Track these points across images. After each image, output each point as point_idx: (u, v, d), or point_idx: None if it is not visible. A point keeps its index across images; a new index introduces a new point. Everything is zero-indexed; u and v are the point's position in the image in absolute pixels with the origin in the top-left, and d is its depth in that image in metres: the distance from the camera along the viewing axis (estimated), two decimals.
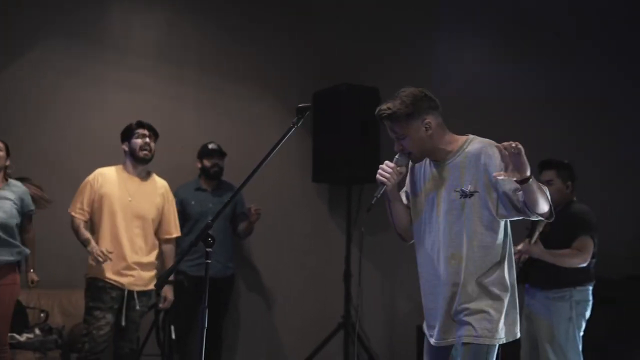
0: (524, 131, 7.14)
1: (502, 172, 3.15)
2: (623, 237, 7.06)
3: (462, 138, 3.46)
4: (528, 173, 3.11)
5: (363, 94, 6.59)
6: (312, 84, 6.78)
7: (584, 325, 5.02)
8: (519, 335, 3.42)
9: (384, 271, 7.07)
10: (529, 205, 3.21)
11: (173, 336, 5.34)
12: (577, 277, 5.00)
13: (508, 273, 3.38)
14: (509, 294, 3.36)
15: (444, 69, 7.11)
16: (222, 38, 6.88)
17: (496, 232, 3.36)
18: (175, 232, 5.43)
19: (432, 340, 3.48)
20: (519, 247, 4.95)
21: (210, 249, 3.11)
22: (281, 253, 6.87)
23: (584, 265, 4.96)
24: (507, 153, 3.10)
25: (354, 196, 6.80)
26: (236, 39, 6.90)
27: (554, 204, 5.10)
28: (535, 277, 5.08)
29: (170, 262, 5.34)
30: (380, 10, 7.26)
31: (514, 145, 3.08)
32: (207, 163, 6.17)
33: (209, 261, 3.14)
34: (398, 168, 3.41)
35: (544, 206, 3.24)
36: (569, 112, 7.18)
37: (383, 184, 3.39)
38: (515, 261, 5.05)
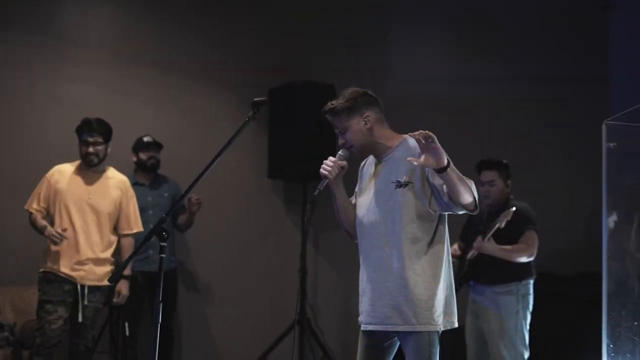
0: (475, 129, 7.27)
1: (414, 158, 3.29)
2: (573, 234, 7.19)
3: (401, 136, 3.61)
4: (445, 161, 3.23)
5: (319, 91, 6.59)
6: (267, 80, 6.77)
7: (529, 318, 5.17)
8: (456, 324, 3.53)
9: (339, 268, 7.09)
10: (452, 197, 3.33)
11: (127, 333, 5.30)
12: (522, 272, 5.17)
13: (441, 264, 3.48)
14: (441, 284, 3.46)
15: (399, 66, 7.17)
16: (177, 33, 6.83)
17: (430, 223, 3.47)
18: (136, 228, 5.39)
19: (363, 326, 3.59)
20: (474, 244, 5.05)
21: (164, 243, 3.11)
22: (236, 249, 6.85)
23: (532, 259, 5.16)
24: (422, 141, 3.22)
25: (310, 193, 6.81)
26: (191, 34, 6.86)
27: (495, 204, 5.31)
28: (483, 273, 5.17)
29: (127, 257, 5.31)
30: (337, 6, 7.28)
31: (424, 133, 3.22)
32: (143, 156, 6.13)
33: (163, 255, 3.14)
34: (340, 162, 3.54)
35: (466, 196, 3.35)
36: (517, 111, 7.31)
37: (325, 177, 3.52)
38: (469, 258, 5.18)
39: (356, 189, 3.76)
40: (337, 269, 7.09)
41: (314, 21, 7.19)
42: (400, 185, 3.46)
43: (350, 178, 3.70)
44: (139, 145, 6.16)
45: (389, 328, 3.48)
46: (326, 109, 3.58)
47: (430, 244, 3.47)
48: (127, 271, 5.24)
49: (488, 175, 5.33)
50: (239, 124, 3.33)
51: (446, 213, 3.53)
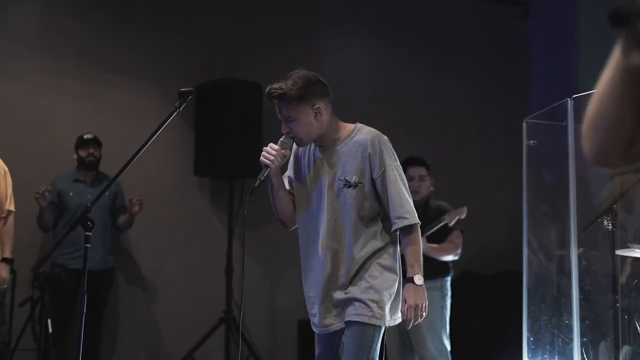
0: (404, 128, 7.36)
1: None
2: (498, 233, 7.34)
3: (351, 126, 3.49)
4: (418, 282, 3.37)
5: (245, 88, 6.60)
6: (194, 77, 6.73)
7: (449, 313, 5.28)
8: (399, 320, 3.47)
9: (266, 266, 7.09)
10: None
11: (50, 330, 5.21)
12: (445, 269, 5.28)
13: (390, 261, 3.42)
14: (390, 282, 3.40)
15: (327, 65, 7.20)
16: (102, 28, 6.73)
17: (379, 221, 3.42)
18: (14, 208, 5.10)
19: (316, 329, 3.48)
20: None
21: (89, 233, 3.07)
22: (162, 247, 6.79)
23: (457, 258, 5.30)
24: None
25: (236, 190, 6.81)
26: (117, 30, 6.77)
27: (424, 201, 5.33)
28: None
29: (5, 240, 5.10)
30: (264, 4, 7.29)
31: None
32: (82, 153, 6.05)
33: (88, 245, 3.10)
34: (282, 151, 3.36)
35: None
36: (442, 110, 7.44)
37: (267, 166, 3.34)
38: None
39: (289, 174, 3.59)
40: (263, 266, 7.09)
41: (240, 19, 7.18)
42: (349, 185, 3.35)
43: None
44: (78, 143, 6.08)
45: (342, 325, 3.40)
46: (274, 93, 3.31)
47: (381, 240, 3.41)
48: (7, 254, 5.02)
49: (419, 170, 5.40)
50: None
51: None
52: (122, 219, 6.16)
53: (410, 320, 3.31)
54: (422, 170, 5.41)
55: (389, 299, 3.37)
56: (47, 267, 5.75)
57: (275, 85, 3.33)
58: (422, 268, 3.35)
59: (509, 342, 5.90)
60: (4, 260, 5.05)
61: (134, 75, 6.81)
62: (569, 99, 4.62)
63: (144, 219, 6.40)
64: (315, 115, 3.35)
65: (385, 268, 3.40)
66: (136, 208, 5.99)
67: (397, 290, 3.43)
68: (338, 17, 7.49)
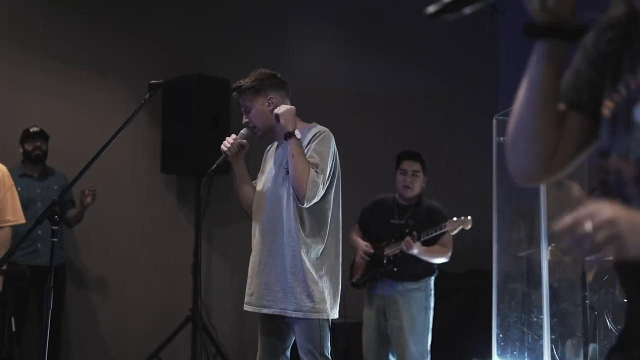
0: (373, 125, 7.36)
1: None
2: (466, 231, 7.33)
3: (305, 124, 3.70)
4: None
5: (214, 85, 6.54)
6: (162, 74, 6.61)
7: (432, 314, 5.13)
8: (336, 316, 3.60)
9: (233, 264, 7.02)
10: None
11: (13, 329, 5.11)
12: (430, 269, 5.13)
13: (333, 251, 3.59)
14: (328, 272, 3.55)
15: (297, 62, 7.17)
16: (69, 24, 6.62)
17: (320, 211, 3.55)
18: (13, 218, 5.07)
19: (247, 307, 3.67)
20: (404, 243, 4.91)
21: (56, 227, 3.01)
22: (128, 245, 6.69)
23: (448, 260, 5.09)
24: None
25: (203, 188, 6.72)
26: (84, 25, 6.67)
27: (416, 198, 5.19)
28: (400, 272, 5.04)
29: (3, 251, 5.03)
30: (234, 1, 7.24)
31: None
32: (28, 147, 5.90)
33: (55, 239, 3.03)
34: (240, 140, 3.66)
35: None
36: (416, 109, 7.43)
37: (224, 153, 3.66)
38: (389, 254, 5.06)
39: (259, 174, 3.83)
40: (230, 265, 7.02)
41: (209, 15, 7.11)
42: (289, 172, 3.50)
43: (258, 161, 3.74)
44: (24, 136, 5.95)
45: (282, 312, 3.52)
46: (234, 86, 3.68)
47: (321, 230, 3.54)
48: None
49: (413, 165, 5.19)
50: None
51: (340, 201, 3.64)
52: (70, 213, 6.03)
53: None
54: (416, 165, 5.19)
55: (331, 291, 3.55)
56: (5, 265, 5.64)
57: (237, 81, 3.70)
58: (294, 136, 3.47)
59: (476, 341, 5.90)
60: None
61: (102, 71, 6.70)
62: None
63: (110, 216, 6.32)
64: (269, 106, 3.62)
65: (326, 260, 3.55)
66: (89, 199, 5.86)
67: (332, 283, 3.57)
68: (307, 13, 7.45)
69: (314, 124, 3.70)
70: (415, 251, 4.91)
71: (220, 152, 3.70)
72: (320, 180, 3.42)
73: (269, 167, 3.73)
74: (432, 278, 5.15)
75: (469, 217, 4.93)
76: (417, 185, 5.19)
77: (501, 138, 5.23)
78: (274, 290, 3.53)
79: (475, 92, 7.45)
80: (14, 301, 5.29)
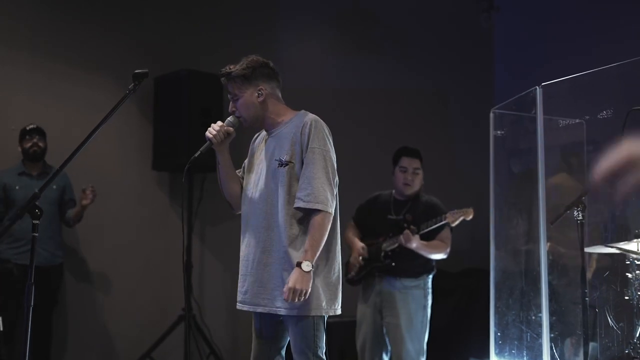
0: (366, 121, 7.31)
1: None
2: (463, 229, 7.25)
3: (295, 111, 3.60)
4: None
5: (204, 81, 6.44)
6: (153, 69, 6.52)
7: (430, 312, 5.07)
8: (339, 311, 3.49)
9: (225, 262, 6.94)
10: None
11: (1, 327, 5.01)
12: (429, 266, 5.07)
13: (329, 247, 3.44)
14: (323, 268, 3.42)
15: (287, 58, 7.08)
16: (57, 20, 6.51)
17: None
18: None
19: (242, 306, 3.55)
20: (403, 237, 4.85)
21: (37, 221, 2.90)
22: (120, 243, 6.59)
23: (446, 256, 5.03)
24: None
25: (196, 185, 6.65)
26: (72, 21, 6.56)
27: (415, 194, 5.12)
28: (398, 267, 4.99)
29: None
30: None
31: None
32: (26, 144, 5.83)
33: (36, 234, 2.92)
34: (226, 128, 3.52)
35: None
36: (410, 104, 7.37)
37: (209, 140, 3.52)
38: (387, 249, 4.98)
39: (244, 163, 3.71)
40: (223, 263, 6.93)
41: (200, 11, 7.05)
42: (281, 164, 3.42)
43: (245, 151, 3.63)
44: (22, 134, 5.87)
45: (276, 311, 3.41)
46: (223, 72, 3.52)
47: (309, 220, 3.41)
48: None
49: (413, 162, 5.16)
50: (123, 113, 3.19)
51: (336, 196, 3.50)
52: (71, 212, 5.95)
53: (286, 300, 3.29)
54: (416, 162, 5.17)
55: (326, 288, 3.42)
56: None
57: (226, 66, 3.53)
58: (315, 257, 3.32)
59: (474, 339, 5.82)
60: None
61: (91, 67, 6.59)
62: (537, 87, 4.52)
63: (101, 215, 6.22)
64: (258, 96, 3.50)
65: (322, 256, 3.42)
66: (89, 199, 5.77)
67: (335, 279, 3.48)
68: (298, 9, 7.41)
69: (303, 111, 3.58)
70: (414, 245, 4.84)
71: (205, 139, 3.57)
72: (334, 184, 3.42)
73: (258, 159, 3.60)
74: (430, 276, 5.09)
75: (470, 208, 4.88)
76: (417, 183, 5.17)
77: (498, 131, 5.14)
78: (268, 288, 3.42)
79: (470, 87, 7.42)
80: (3, 300, 5.22)
